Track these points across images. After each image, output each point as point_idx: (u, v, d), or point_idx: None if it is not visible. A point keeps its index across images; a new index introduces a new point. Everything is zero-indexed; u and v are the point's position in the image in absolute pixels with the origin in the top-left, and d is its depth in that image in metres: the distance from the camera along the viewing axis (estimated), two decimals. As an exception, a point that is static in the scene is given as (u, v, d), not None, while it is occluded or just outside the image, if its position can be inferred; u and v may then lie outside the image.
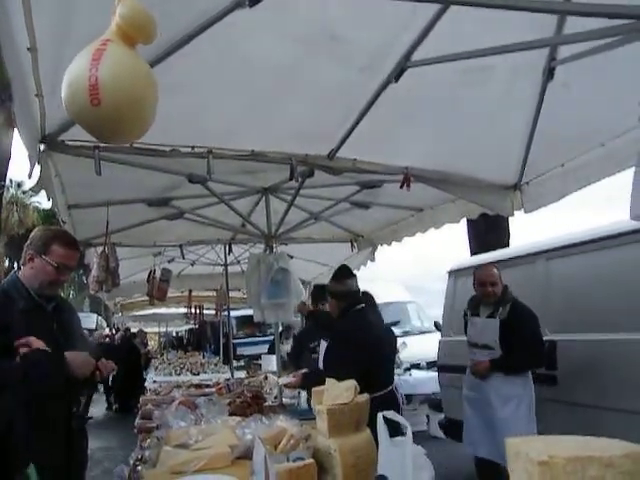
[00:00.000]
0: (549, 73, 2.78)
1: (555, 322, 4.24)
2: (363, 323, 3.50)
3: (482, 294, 4.17)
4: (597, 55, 2.15)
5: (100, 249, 4.69)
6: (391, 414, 2.05)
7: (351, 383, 2.25)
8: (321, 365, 3.94)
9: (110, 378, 12.96)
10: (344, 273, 3.73)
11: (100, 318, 27.11)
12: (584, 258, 4.20)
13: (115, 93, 1.38)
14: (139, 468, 2.38)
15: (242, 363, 10.00)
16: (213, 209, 4.52)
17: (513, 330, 3.93)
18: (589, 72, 2.61)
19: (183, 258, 6.37)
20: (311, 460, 1.77)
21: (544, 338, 4.13)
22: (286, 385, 3.96)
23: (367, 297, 4.58)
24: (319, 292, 5.14)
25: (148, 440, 2.81)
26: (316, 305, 5.20)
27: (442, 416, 5.86)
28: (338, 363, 3.26)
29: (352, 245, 5.66)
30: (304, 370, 3.83)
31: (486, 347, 4.04)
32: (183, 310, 13.73)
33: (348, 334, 3.41)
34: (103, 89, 1.35)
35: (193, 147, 3.05)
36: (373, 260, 5.86)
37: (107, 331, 22.63)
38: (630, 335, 3.58)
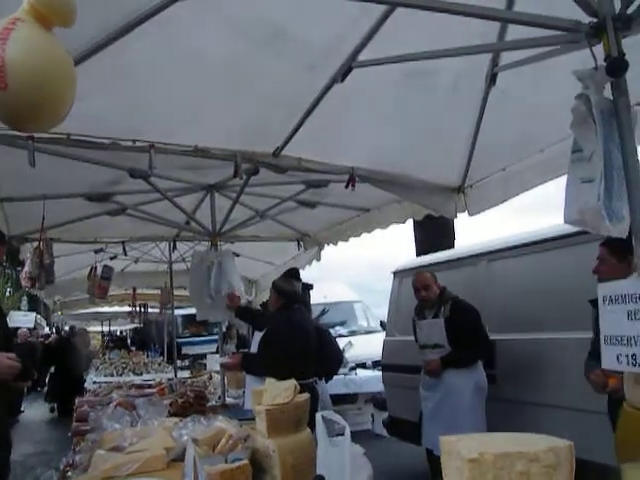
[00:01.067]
0: (492, 79, 2.84)
1: (495, 322, 4.36)
2: (296, 318, 3.95)
3: (418, 299, 4.38)
4: (538, 64, 2.21)
5: (35, 244, 4.49)
6: (329, 413, 2.04)
7: (291, 383, 2.23)
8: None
9: (47, 378, 12.48)
10: (294, 275, 4.11)
11: (39, 317, 26.04)
12: (522, 260, 4.35)
13: (23, 76, 1.26)
14: (69, 474, 2.28)
15: (187, 363, 9.82)
16: (157, 205, 4.40)
17: (457, 326, 4.09)
18: (530, 80, 2.69)
19: (125, 255, 6.18)
20: (245, 461, 1.74)
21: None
22: (224, 365, 4.24)
23: (303, 296, 4.78)
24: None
25: (81, 444, 2.70)
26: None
27: (386, 415, 5.93)
28: (270, 349, 3.75)
29: (298, 244, 5.64)
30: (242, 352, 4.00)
31: (437, 346, 4.18)
32: (127, 308, 13.37)
33: (282, 326, 3.85)
34: (10, 71, 1.25)
35: (134, 141, 2.95)
36: (319, 259, 5.86)
37: (47, 330, 21.74)
38: (563, 334, 3.72)
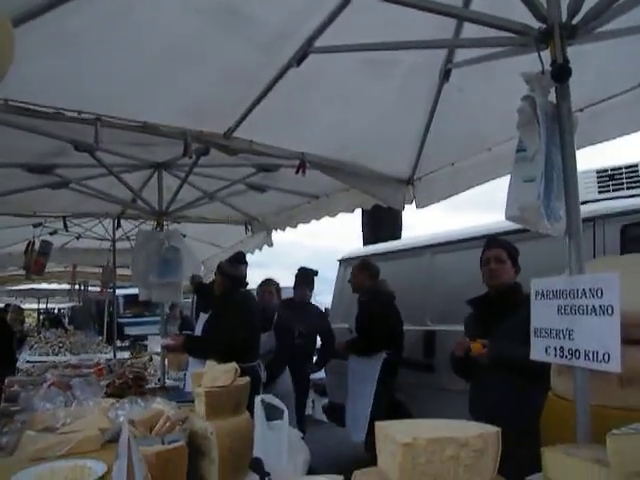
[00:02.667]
0: (445, 75, 2.89)
1: (434, 313, 4.49)
2: (241, 302, 4.02)
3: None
4: (492, 63, 2.26)
5: (-33, 215, 4.27)
6: (269, 397, 2.06)
7: (231, 366, 2.23)
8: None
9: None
10: (240, 259, 4.19)
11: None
12: (464, 254, 4.47)
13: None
14: (-6, 456, 2.19)
15: (127, 344, 9.62)
16: (102, 181, 4.25)
17: (363, 313, 4.60)
18: (483, 78, 2.75)
19: (67, 231, 5.95)
20: (182, 443, 1.73)
21: (425, 328, 4.39)
22: (166, 346, 4.25)
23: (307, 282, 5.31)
24: (306, 276, 5.21)
25: (9, 425, 2.60)
26: (301, 289, 5.36)
27: (326, 400, 6.02)
28: (215, 331, 3.89)
29: (246, 228, 5.59)
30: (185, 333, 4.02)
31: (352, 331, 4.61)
32: (66, 286, 12.92)
33: (226, 310, 3.92)
34: None
35: (80, 112, 2.83)
36: (271, 245, 5.84)
37: (-23, 306, 20.73)
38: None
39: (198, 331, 4.18)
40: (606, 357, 1.41)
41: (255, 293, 5.49)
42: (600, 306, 1.44)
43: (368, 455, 4.56)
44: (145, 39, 2.41)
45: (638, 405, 1.58)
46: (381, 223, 7.93)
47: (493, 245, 3.21)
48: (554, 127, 1.63)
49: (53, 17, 2.04)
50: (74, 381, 3.47)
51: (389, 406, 4.51)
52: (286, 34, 2.47)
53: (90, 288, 12.64)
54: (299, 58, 2.54)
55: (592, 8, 1.60)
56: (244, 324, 3.87)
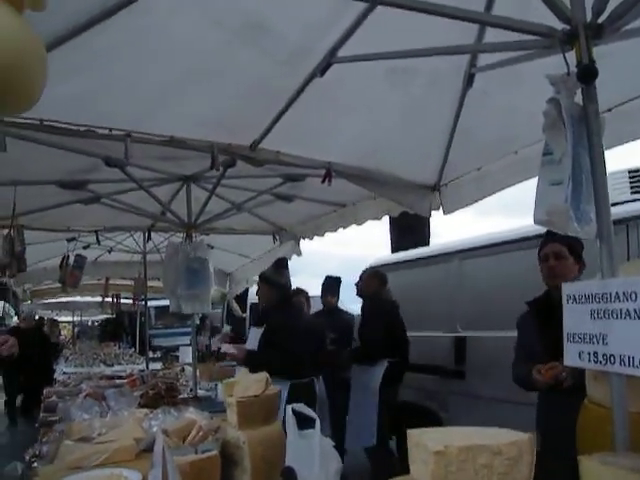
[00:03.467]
0: (469, 79, 2.87)
1: (464, 319, 4.44)
2: (296, 318, 4.05)
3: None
4: (516, 67, 2.24)
5: (5, 231, 4.40)
6: (300, 406, 2.06)
7: (262, 375, 2.24)
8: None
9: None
10: (283, 264, 4.18)
11: (8, 306, 25.45)
12: (493, 260, 4.42)
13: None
14: (35, 465, 2.25)
15: (159, 355, 9.75)
16: (132, 195, 4.35)
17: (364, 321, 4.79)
18: (507, 82, 2.73)
19: (99, 244, 6.10)
20: (215, 452, 1.75)
21: (456, 335, 4.34)
22: (228, 354, 4.12)
23: (302, 292, 5.24)
24: (331, 284, 5.30)
25: (49, 435, 2.67)
26: (326, 297, 5.51)
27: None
28: (271, 347, 3.76)
29: (274, 238, 5.63)
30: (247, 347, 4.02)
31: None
32: (99, 299, 13.18)
33: (282, 327, 3.82)
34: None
35: (110, 129, 2.91)
36: (299, 254, 5.86)
37: (15, 320, 21.27)
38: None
39: (251, 345, 3.99)
40: (642, 362, 1.38)
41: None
42: (635, 310, 1.41)
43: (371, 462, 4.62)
44: (170, 55, 2.46)
45: (677, 411, 1.54)
46: (409, 230, 7.89)
47: (552, 239, 2.89)
48: (581, 129, 1.61)
49: (82, 39, 2.12)
50: (108, 392, 3.55)
51: (407, 412, 4.60)
52: (309, 45, 2.50)
53: (122, 300, 12.85)
54: (322, 68, 2.56)
55: (618, 6, 1.58)
56: (298, 342, 3.77)
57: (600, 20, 1.61)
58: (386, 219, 4.80)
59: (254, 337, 4.10)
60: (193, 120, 3.00)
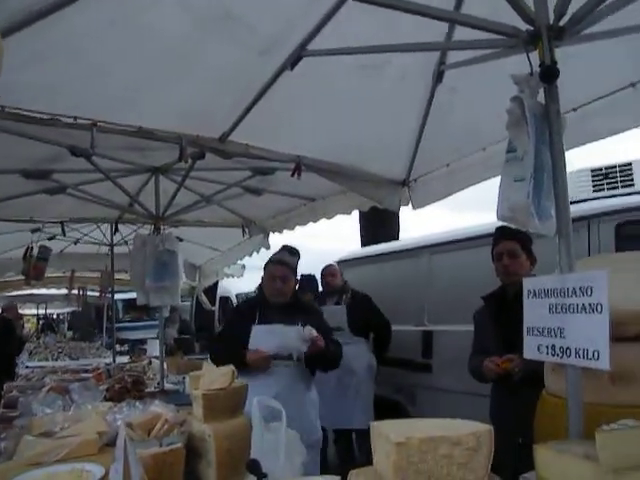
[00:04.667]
0: (438, 76, 2.91)
1: (433, 313, 4.50)
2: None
3: (325, 285, 5.00)
4: (485, 65, 2.28)
5: (-35, 222, 4.28)
6: (267, 399, 2.07)
7: (228, 368, 2.24)
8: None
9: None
10: (294, 252, 3.62)
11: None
12: (462, 254, 4.49)
13: None
14: (-8, 461, 2.20)
15: (126, 348, 9.62)
16: (99, 186, 4.27)
17: (356, 312, 4.71)
18: (476, 80, 2.76)
19: (64, 236, 5.97)
20: (179, 445, 1.75)
21: (424, 329, 4.41)
22: (312, 339, 3.19)
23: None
24: (307, 282, 5.26)
25: (8, 430, 2.60)
26: (307, 294, 5.27)
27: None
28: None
29: (243, 231, 5.60)
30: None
31: (337, 329, 4.41)
32: (64, 291, 12.91)
33: (321, 318, 3.58)
34: None
35: (76, 118, 2.85)
36: (268, 248, 5.85)
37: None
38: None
39: (255, 344, 3.25)
40: (596, 355, 1.43)
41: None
42: (590, 304, 1.46)
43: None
44: (139, 44, 2.42)
45: (629, 402, 1.60)
46: (379, 224, 7.94)
47: (504, 238, 3.01)
48: (543, 127, 1.65)
49: (47, 25, 2.06)
50: (72, 386, 3.48)
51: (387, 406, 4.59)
52: (280, 38, 2.49)
53: (89, 293, 12.63)
54: (293, 62, 2.56)
55: (578, 10, 1.62)
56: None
57: (562, 23, 1.65)
58: (356, 213, 4.83)
59: (257, 335, 3.35)
60: (162, 111, 2.96)
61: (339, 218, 4.53)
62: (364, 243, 8.18)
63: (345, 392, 4.58)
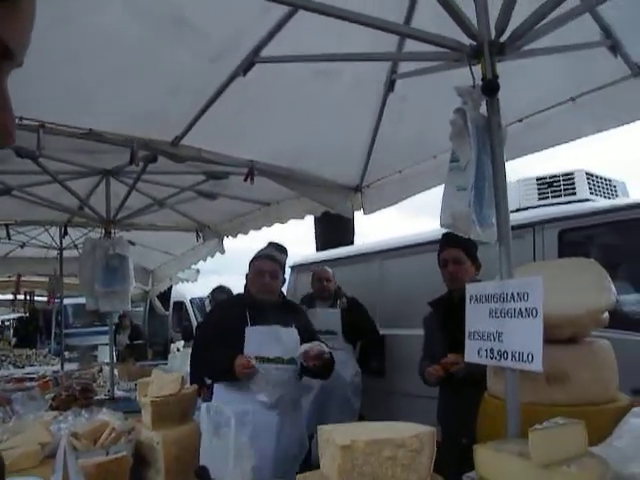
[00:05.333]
0: (390, 85, 2.97)
1: (385, 318, 4.58)
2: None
3: (320, 289, 4.64)
4: (433, 75, 2.34)
5: None
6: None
7: (177, 375, 2.22)
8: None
9: None
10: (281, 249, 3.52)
11: None
12: (412, 260, 4.59)
13: None
14: None
15: (76, 355, 9.33)
16: (47, 188, 4.15)
17: (353, 318, 4.47)
18: (427, 90, 2.84)
19: (9, 239, 5.75)
20: (123, 453, 1.72)
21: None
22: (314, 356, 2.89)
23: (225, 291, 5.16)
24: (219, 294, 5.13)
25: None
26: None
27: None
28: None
29: (197, 235, 5.55)
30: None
31: (329, 332, 4.37)
32: (10, 297, 12.43)
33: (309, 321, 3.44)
34: None
35: (21, 118, 2.77)
36: (223, 252, 5.81)
37: None
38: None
39: (250, 351, 2.94)
40: (530, 357, 1.49)
41: (208, 300, 5.48)
42: (526, 309, 1.52)
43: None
44: (89, 46, 2.38)
45: (564, 401, 1.68)
46: (333, 229, 8.01)
47: (449, 245, 3.10)
48: (485, 138, 1.72)
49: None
50: (15, 395, 3.36)
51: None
52: (232, 44, 2.49)
53: (37, 298, 12.20)
54: (245, 68, 2.56)
55: (517, 27, 1.70)
56: None
57: (502, 39, 1.73)
58: (311, 218, 4.85)
59: (253, 337, 3.04)
60: (112, 113, 2.91)
61: (296, 222, 4.55)
62: (319, 248, 8.23)
63: (330, 400, 4.43)
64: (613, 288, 1.78)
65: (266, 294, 3.11)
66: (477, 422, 1.94)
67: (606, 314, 1.88)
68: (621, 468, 1.22)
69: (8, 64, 0.48)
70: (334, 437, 1.44)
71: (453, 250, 3.08)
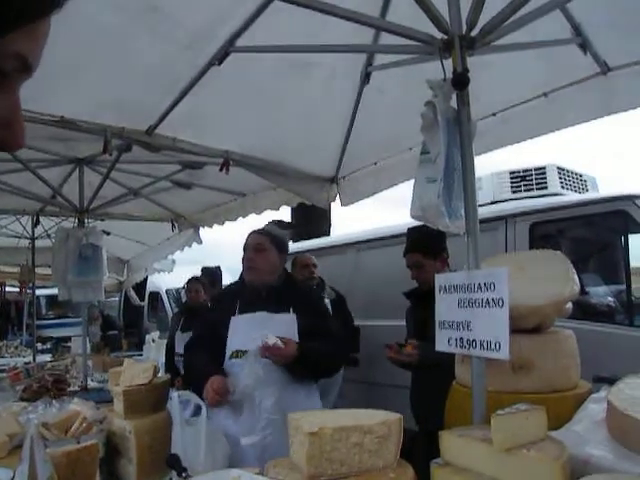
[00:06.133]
0: (366, 77, 2.98)
1: (360, 309, 4.61)
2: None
3: (307, 276, 4.38)
4: (408, 68, 2.36)
5: None
6: (186, 394, 2.07)
7: (149, 364, 2.22)
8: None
9: None
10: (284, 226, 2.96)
11: None
12: (386, 251, 4.64)
13: None
14: None
15: (49, 346, 9.21)
16: (18, 176, 4.08)
17: (336, 310, 4.22)
18: (402, 83, 2.86)
19: (-22, 228, 5.65)
20: (93, 441, 1.72)
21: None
22: (270, 349, 2.36)
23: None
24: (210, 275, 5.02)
25: None
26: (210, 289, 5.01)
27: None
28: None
29: (173, 225, 5.50)
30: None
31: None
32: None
33: (319, 305, 2.93)
34: None
35: (-10, 104, 2.71)
36: (200, 242, 5.76)
37: None
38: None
39: (233, 344, 2.55)
40: (497, 346, 1.53)
41: (184, 291, 5.43)
42: (493, 299, 1.56)
43: None
44: (62, 31, 2.32)
45: (528, 389, 1.73)
46: (310, 220, 8.02)
47: (408, 250, 3.20)
48: (455, 131, 1.75)
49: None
50: (-16, 387, 3.32)
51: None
52: (208, 33, 2.47)
53: (8, 289, 11.98)
54: (220, 57, 2.55)
55: (487, 23, 1.73)
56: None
57: (473, 33, 1.75)
58: (286, 209, 4.84)
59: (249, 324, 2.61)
60: (85, 101, 2.86)
61: (270, 214, 4.53)
62: (295, 238, 8.23)
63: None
64: (577, 279, 1.83)
65: (252, 274, 2.65)
66: (445, 410, 1.98)
67: (569, 304, 1.93)
68: (577, 450, 1.27)
69: (25, 77, 0.55)
70: (302, 424, 1.47)
71: (412, 255, 3.17)
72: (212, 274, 5.27)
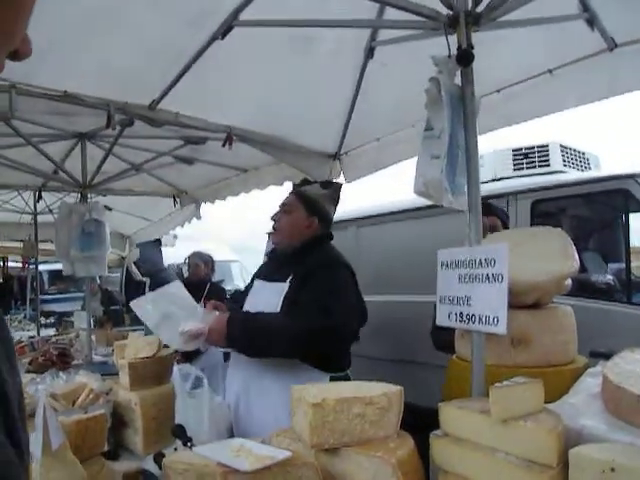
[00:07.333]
0: (369, 52, 2.96)
1: (360, 284, 4.65)
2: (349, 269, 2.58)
3: None
4: (415, 43, 2.34)
5: None
6: (187, 368, 2.11)
7: (154, 338, 2.26)
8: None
9: None
10: (338, 191, 2.69)
11: None
12: (386, 228, 4.66)
13: None
14: None
15: (52, 320, 9.29)
16: (20, 151, 4.06)
17: None
18: (407, 58, 2.83)
19: (-21, 203, 5.66)
20: (101, 411, 1.77)
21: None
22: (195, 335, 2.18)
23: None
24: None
25: None
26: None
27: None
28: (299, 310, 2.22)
29: (175, 200, 5.51)
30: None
31: None
32: (-17, 262, 12.28)
33: (335, 276, 2.43)
34: None
35: (-8, 79, 2.71)
36: (199, 218, 5.78)
37: None
38: (421, 297, 4.08)
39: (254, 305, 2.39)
40: (495, 321, 1.56)
41: (187, 267, 5.47)
42: (493, 274, 1.58)
43: None
44: (64, 7, 2.32)
45: (526, 363, 1.76)
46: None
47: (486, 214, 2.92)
48: (458, 108, 1.75)
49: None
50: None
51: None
52: (212, 6, 2.45)
53: (10, 264, 12.05)
54: (224, 31, 2.53)
55: (493, -1, 1.71)
56: (351, 304, 2.43)
57: (479, 9, 1.74)
58: (290, 184, 4.83)
59: (249, 299, 2.48)
60: (88, 75, 2.85)
61: (274, 189, 4.52)
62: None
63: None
64: (576, 256, 1.85)
65: (274, 236, 2.48)
66: (445, 383, 2.02)
67: (569, 281, 1.96)
68: (572, 422, 1.30)
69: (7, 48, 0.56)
70: (305, 395, 1.50)
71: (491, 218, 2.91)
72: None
